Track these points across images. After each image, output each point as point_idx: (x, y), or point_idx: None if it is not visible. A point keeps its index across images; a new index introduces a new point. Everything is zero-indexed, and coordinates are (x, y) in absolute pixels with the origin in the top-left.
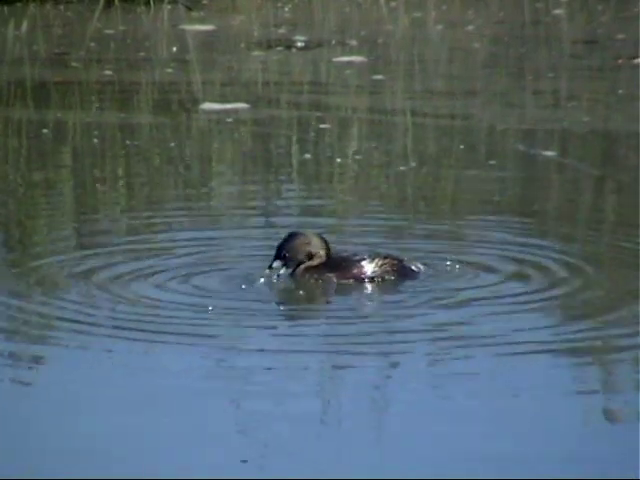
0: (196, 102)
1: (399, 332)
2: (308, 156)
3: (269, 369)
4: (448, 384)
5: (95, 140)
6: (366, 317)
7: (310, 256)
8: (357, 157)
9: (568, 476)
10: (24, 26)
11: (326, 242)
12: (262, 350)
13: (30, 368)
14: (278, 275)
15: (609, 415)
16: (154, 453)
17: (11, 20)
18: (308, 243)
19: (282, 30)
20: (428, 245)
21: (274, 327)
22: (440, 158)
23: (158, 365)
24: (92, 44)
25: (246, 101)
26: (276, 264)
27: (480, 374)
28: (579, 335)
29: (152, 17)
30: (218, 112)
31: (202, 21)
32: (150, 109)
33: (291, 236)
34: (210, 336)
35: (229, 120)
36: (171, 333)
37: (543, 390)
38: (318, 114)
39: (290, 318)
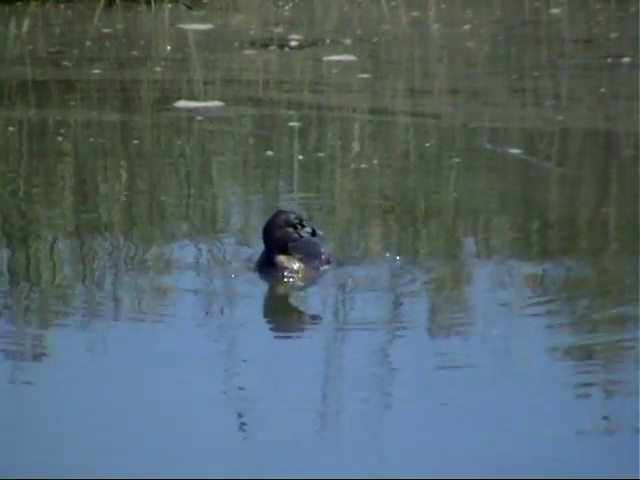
0: (172, 100)
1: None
2: (270, 153)
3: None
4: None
5: (59, 138)
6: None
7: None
8: (320, 155)
9: (566, 476)
10: (25, 25)
11: None
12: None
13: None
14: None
15: (608, 410)
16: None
17: (12, 19)
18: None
19: (279, 29)
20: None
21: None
22: (406, 156)
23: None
24: (88, 43)
25: (222, 99)
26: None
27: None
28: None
29: (153, 16)
30: (190, 110)
31: (201, 20)
32: (124, 107)
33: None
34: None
35: (199, 118)
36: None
37: (545, 386)
38: (291, 112)
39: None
